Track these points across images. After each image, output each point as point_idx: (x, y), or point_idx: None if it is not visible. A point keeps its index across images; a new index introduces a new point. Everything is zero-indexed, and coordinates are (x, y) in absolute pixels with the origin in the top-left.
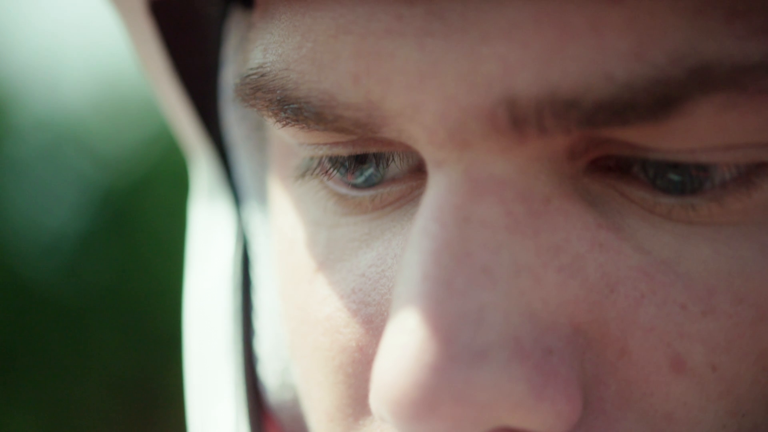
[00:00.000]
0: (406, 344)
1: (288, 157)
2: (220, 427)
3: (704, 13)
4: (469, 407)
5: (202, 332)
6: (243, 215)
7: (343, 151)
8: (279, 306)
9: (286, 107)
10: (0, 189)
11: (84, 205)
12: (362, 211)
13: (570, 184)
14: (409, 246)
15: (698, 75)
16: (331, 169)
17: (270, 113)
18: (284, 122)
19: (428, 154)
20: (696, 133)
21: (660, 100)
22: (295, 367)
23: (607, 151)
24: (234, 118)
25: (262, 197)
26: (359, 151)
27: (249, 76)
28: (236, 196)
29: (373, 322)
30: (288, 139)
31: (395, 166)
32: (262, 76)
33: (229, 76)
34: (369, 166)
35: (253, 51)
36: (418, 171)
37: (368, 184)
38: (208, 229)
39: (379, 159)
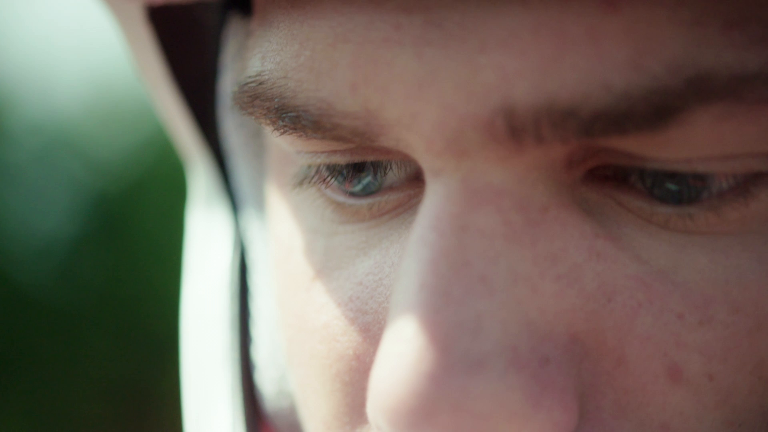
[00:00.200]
0: (403, 353)
1: (286, 165)
2: None
3: (702, 23)
4: (466, 416)
5: (200, 339)
6: (240, 222)
7: (340, 160)
8: (276, 313)
9: (284, 115)
10: None
11: (77, 209)
12: (360, 219)
13: (567, 193)
14: (406, 255)
15: (696, 85)
16: (329, 177)
17: (268, 121)
18: (282, 130)
19: (426, 162)
20: (693, 143)
21: (658, 109)
22: (292, 375)
23: (604, 160)
24: (232, 125)
25: (260, 204)
26: (357, 159)
27: (247, 84)
28: (234, 203)
29: (370, 331)
30: (286, 147)
31: (393, 175)
32: (260, 84)
33: (227, 84)
34: (367, 175)
35: (251, 59)
36: (415, 179)
37: (366, 193)
38: (206, 236)
39: (377, 167)
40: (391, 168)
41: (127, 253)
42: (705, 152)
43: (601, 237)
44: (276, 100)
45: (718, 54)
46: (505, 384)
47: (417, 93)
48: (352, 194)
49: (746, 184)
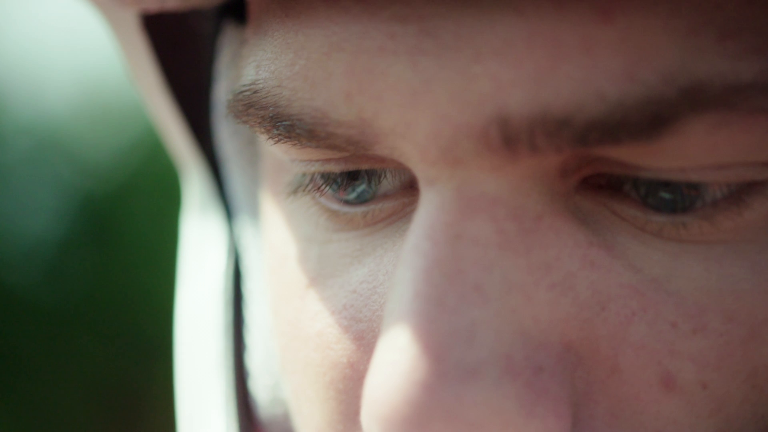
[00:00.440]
0: (397, 361)
1: (280, 173)
2: None
3: (696, 32)
4: (460, 424)
5: (194, 346)
6: (235, 230)
7: (335, 168)
8: (270, 321)
9: (278, 124)
10: None
11: (64, 211)
12: (354, 227)
13: (561, 201)
14: (400, 263)
15: (690, 94)
16: (323, 186)
17: (262, 130)
18: (276, 139)
19: (420, 171)
20: (687, 152)
21: (652, 119)
22: (286, 383)
23: (598, 169)
24: (226, 132)
25: (254, 212)
26: (351, 167)
27: (242, 92)
28: (228, 211)
29: (364, 339)
30: (280, 155)
31: (387, 183)
32: (255, 92)
33: (222, 92)
34: (361, 183)
35: (245, 67)
36: (410, 188)
37: (360, 201)
38: (200, 243)
39: (371, 176)
40: (385, 176)
41: (115, 254)
42: (699, 161)
43: (595, 245)
44: (270, 108)
45: (712, 64)
46: (499, 392)
47: (411, 102)
48: (347, 202)
49: (740, 193)
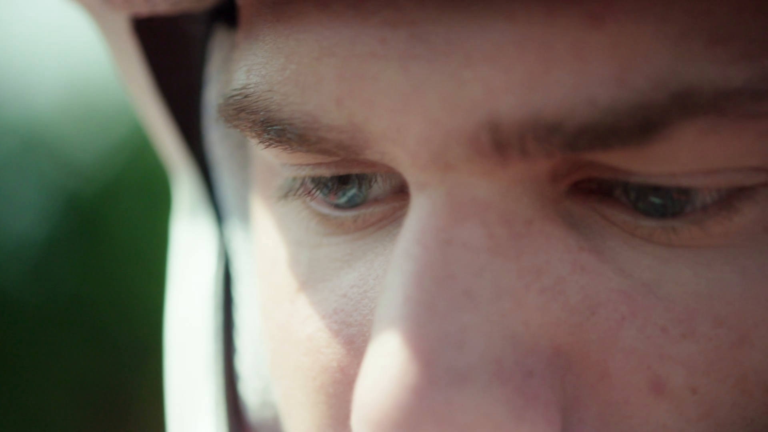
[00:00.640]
0: (387, 366)
1: (271, 177)
2: None
3: (687, 38)
4: (450, 429)
5: (184, 349)
6: (225, 233)
7: (326, 172)
8: (260, 325)
9: (269, 128)
10: None
11: (50, 210)
12: (344, 231)
13: (552, 206)
14: (391, 267)
15: (680, 100)
16: (314, 190)
17: (253, 134)
18: (267, 143)
19: (411, 176)
20: (678, 158)
21: (642, 124)
22: (276, 386)
23: (589, 173)
24: (217, 136)
25: (245, 215)
26: (342, 171)
27: (232, 96)
28: (218, 214)
29: (354, 343)
30: (271, 159)
31: (378, 187)
32: (246, 97)
33: (213, 96)
34: (352, 187)
35: (236, 71)
36: (400, 192)
37: (351, 205)
38: (190, 247)
39: (362, 180)
40: (376, 180)
41: (100, 254)
42: (689, 166)
43: (585, 250)
44: (261, 113)
45: (702, 69)
46: (489, 397)
47: (402, 107)
48: (337, 206)
49: (730, 199)
